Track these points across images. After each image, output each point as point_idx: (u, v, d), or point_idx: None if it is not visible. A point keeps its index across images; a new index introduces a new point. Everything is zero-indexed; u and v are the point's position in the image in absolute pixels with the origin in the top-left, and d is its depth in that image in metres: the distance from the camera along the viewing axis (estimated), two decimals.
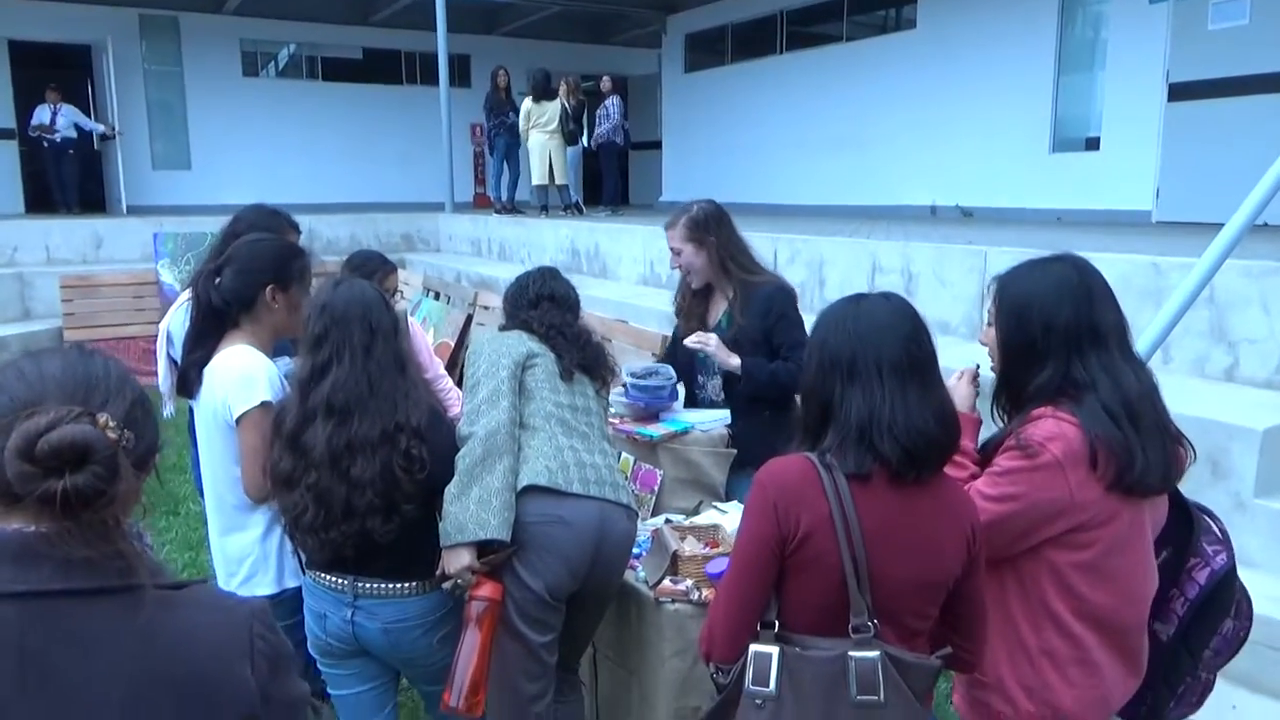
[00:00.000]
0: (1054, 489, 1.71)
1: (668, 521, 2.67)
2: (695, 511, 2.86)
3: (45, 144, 12.23)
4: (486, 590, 2.18)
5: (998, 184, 9.50)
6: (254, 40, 14.81)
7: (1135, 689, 1.88)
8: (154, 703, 1.02)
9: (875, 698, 1.55)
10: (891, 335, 1.62)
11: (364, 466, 2.14)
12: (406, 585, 2.25)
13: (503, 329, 2.60)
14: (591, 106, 12.14)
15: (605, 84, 11.76)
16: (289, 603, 2.47)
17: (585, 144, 12.29)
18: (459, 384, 3.55)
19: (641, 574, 2.49)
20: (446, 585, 2.22)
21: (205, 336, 2.49)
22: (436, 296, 8.66)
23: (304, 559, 2.36)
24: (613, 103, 11.56)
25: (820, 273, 6.24)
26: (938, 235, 6.63)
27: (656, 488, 2.93)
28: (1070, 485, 1.71)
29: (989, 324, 1.88)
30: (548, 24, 15.75)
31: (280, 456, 2.23)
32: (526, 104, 10.88)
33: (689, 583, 2.36)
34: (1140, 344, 2.36)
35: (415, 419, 2.19)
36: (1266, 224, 5.38)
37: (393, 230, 12.55)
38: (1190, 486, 2.03)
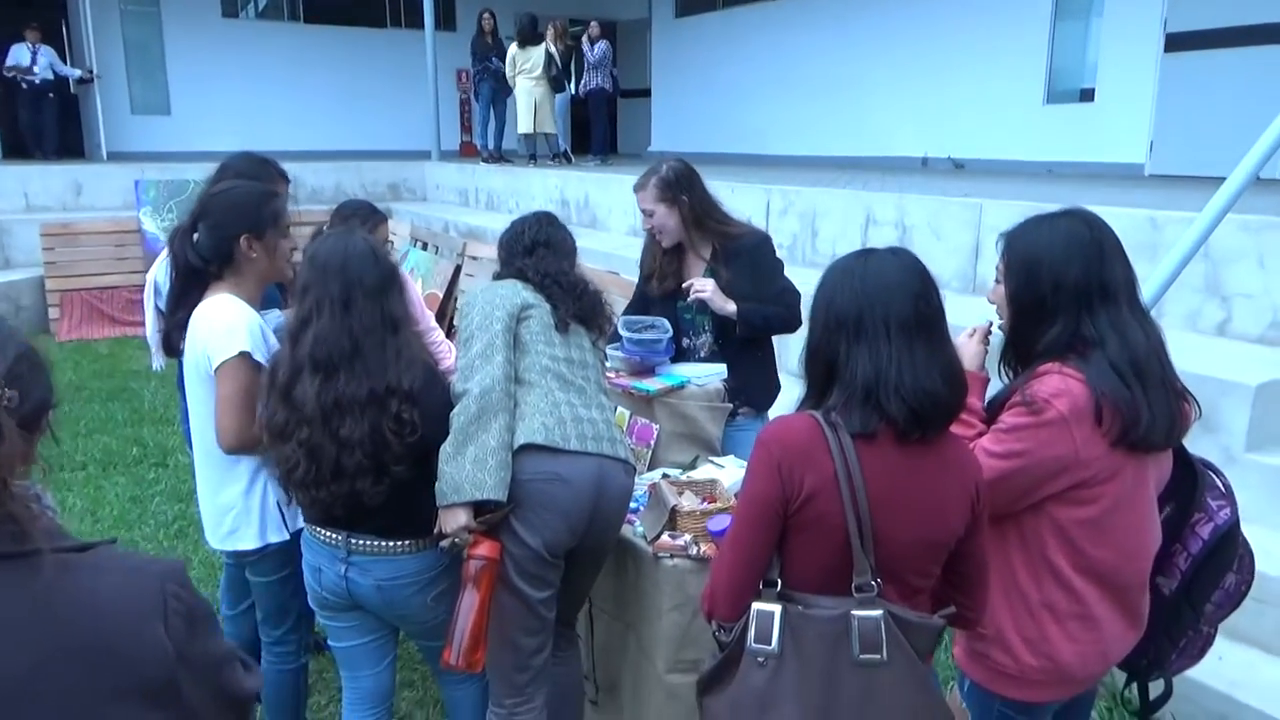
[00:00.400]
0: (1059, 445, 1.70)
1: (665, 476, 2.66)
2: (692, 466, 2.85)
3: (23, 86, 11.90)
4: (484, 549, 2.17)
5: (990, 135, 9.43)
6: None
7: (1135, 642, 1.89)
8: (61, 673, 0.97)
9: (878, 656, 1.55)
10: (900, 293, 1.59)
11: (352, 427, 2.13)
12: (400, 543, 2.24)
13: (497, 277, 2.55)
14: (579, 52, 11.92)
15: (593, 29, 11.53)
16: (273, 557, 2.47)
17: (573, 91, 12.06)
18: (448, 335, 3.51)
19: (639, 529, 2.49)
20: (444, 544, 2.21)
21: (187, 294, 2.45)
22: (424, 247, 8.57)
23: (301, 512, 2.35)
24: (601, 48, 11.34)
25: (813, 224, 6.19)
26: (930, 187, 6.59)
27: (653, 442, 2.92)
28: (1075, 442, 1.70)
29: (998, 281, 1.85)
30: None
31: (275, 409, 2.21)
32: (513, 49, 10.65)
33: (687, 537, 2.36)
34: None
35: (407, 381, 2.16)
36: (1259, 178, 5.36)
37: (379, 179, 12.37)
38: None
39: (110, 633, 1.00)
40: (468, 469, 2.14)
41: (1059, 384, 1.71)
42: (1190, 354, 3.67)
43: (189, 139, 13.22)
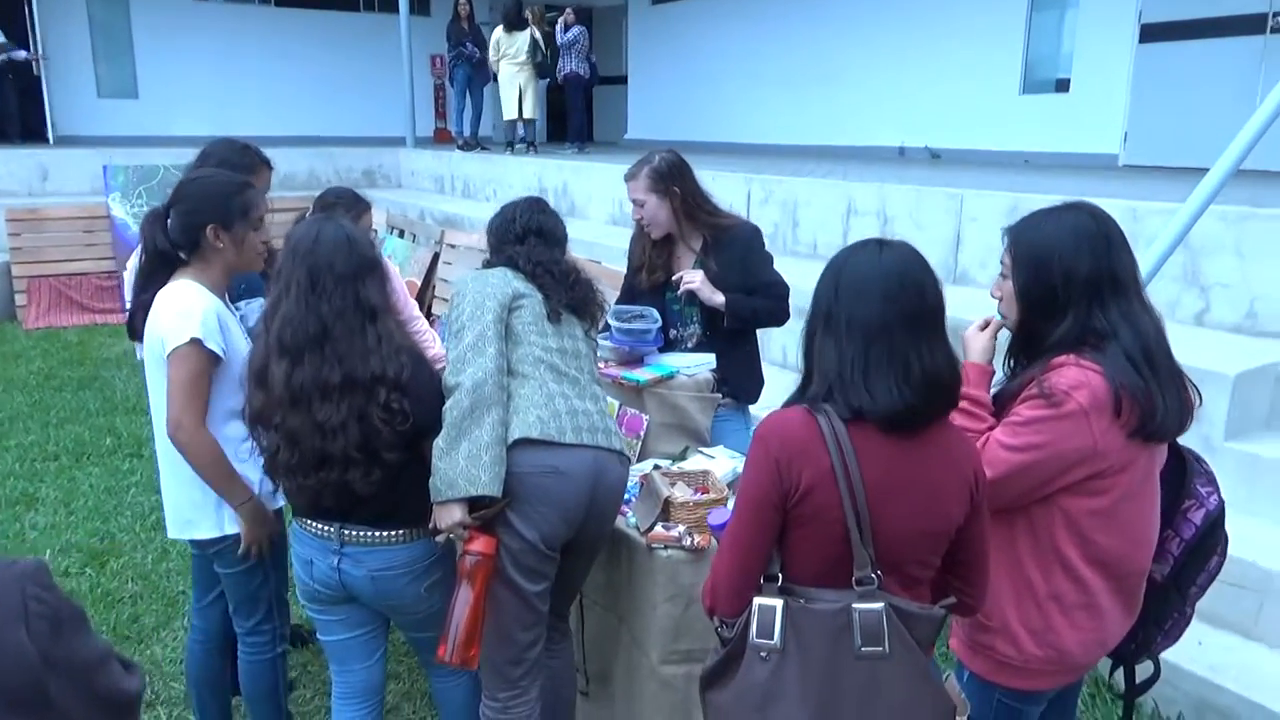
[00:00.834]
0: (1078, 438, 1.70)
1: (656, 467, 2.65)
2: (682, 456, 2.84)
3: None
4: (479, 545, 2.15)
5: (967, 125, 9.47)
6: None
7: (1129, 628, 1.92)
8: None
9: (880, 649, 1.55)
10: (868, 293, 1.58)
11: (329, 412, 2.10)
12: (393, 533, 2.22)
13: (487, 264, 2.52)
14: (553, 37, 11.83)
15: (568, 14, 11.43)
16: (236, 547, 2.45)
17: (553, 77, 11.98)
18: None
19: (632, 520, 2.48)
20: (439, 539, 2.20)
21: (154, 278, 2.44)
22: (401, 234, 8.49)
23: (290, 504, 2.32)
24: (575, 33, 11.25)
25: (794, 214, 6.19)
26: (908, 177, 6.61)
27: (642, 432, 2.91)
28: (1094, 433, 1.70)
29: (1003, 276, 1.85)
30: None
31: (252, 393, 2.20)
32: (497, 34, 10.53)
33: (681, 529, 2.35)
34: None
35: (393, 370, 2.13)
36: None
37: (353, 165, 12.23)
38: None
39: None
40: (461, 464, 2.12)
41: (1078, 376, 1.71)
42: (1170, 343, 3.71)
43: (157, 123, 12.98)
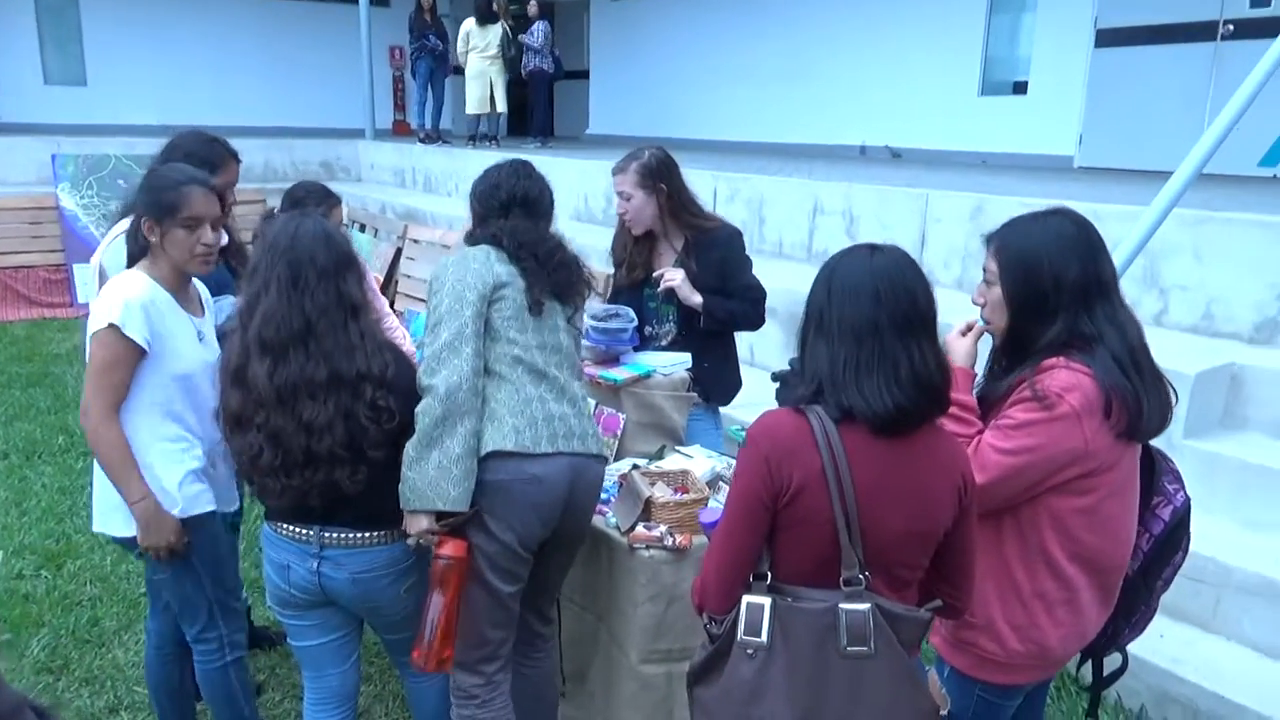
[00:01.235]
0: (1070, 439, 1.73)
1: (635, 467, 2.65)
2: (658, 455, 2.84)
3: None
4: (450, 549, 2.14)
5: (927, 125, 9.59)
6: None
7: (1104, 623, 1.96)
8: None
9: (865, 648, 1.57)
10: (858, 295, 1.60)
11: (315, 410, 2.08)
12: (374, 534, 2.20)
13: (469, 237, 2.42)
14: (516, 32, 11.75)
15: (532, 8, 11.36)
16: None
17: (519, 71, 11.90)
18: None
19: (612, 520, 2.47)
20: (409, 543, 2.18)
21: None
22: (363, 229, 8.37)
23: (265, 508, 2.27)
24: (540, 28, 11.19)
25: (760, 212, 6.22)
26: (871, 176, 6.67)
27: (619, 432, 2.91)
28: (1086, 435, 1.73)
29: (987, 282, 1.86)
30: None
31: (228, 395, 2.15)
32: (468, 26, 10.42)
33: (663, 528, 2.35)
34: None
35: (378, 367, 2.11)
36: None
37: (310, 157, 12.05)
38: None
39: None
40: (431, 475, 2.10)
41: (1070, 378, 1.74)
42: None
43: (107, 112, 12.67)
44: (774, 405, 4.13)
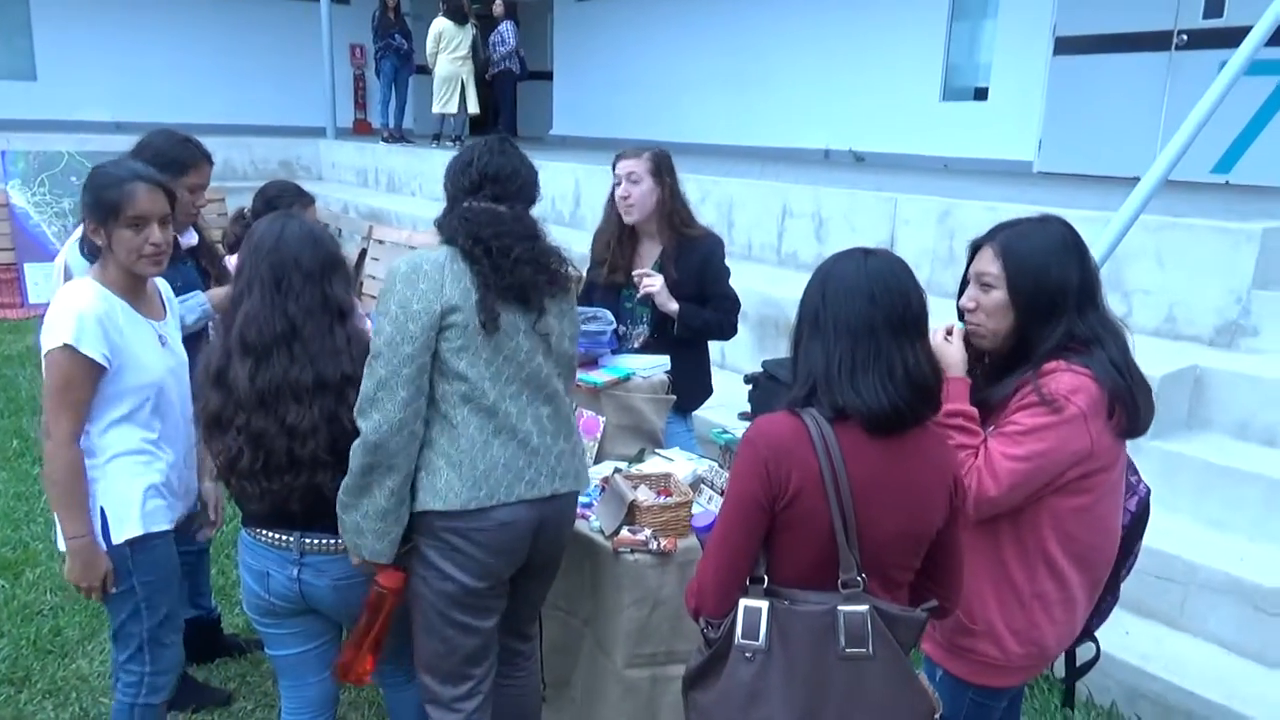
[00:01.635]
0: (1078, 441, 1.75)
1: (617, 470, 2.64)
2: (638, 458, 2.84)
3: None
4: (384, 579, 2.12)
5: (890, 130, 9.68)
6: None
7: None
8: None
9: (864, 650, 1.58)
10: (853, 295, 1.62)
11: (299, 414, 2.04)
12: None
13: (439, 222, 2.17)
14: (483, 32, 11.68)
15: (498, 8, 11.31)
16: None
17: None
18: None
19: (595, 524, 2.46)
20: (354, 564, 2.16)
21: None
22: (325, 229, 8.26)
23: (243, 513, 2.23)
24: (507, 28, 11.13)
25: (730, 215, 6.24)
26: (836, 179, 6.72)
27: (599, 435, 2.90)
28: (1091, 436, 1.76)
29: (984, 287, 1.86)
30: None
31: (207, 397, 2.11)
32: (439, 26, 10.31)
33: (647, 532, 2.34)
34: None
35: (360, 373, 2.06)
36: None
37: (269, 156, 11.86)
38: None
39: None
40: (356, 523, 2.04)
41: (1074, 380, 1.76)
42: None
43: (58, 107, 12.35)
44: (746, 407, 4.15)
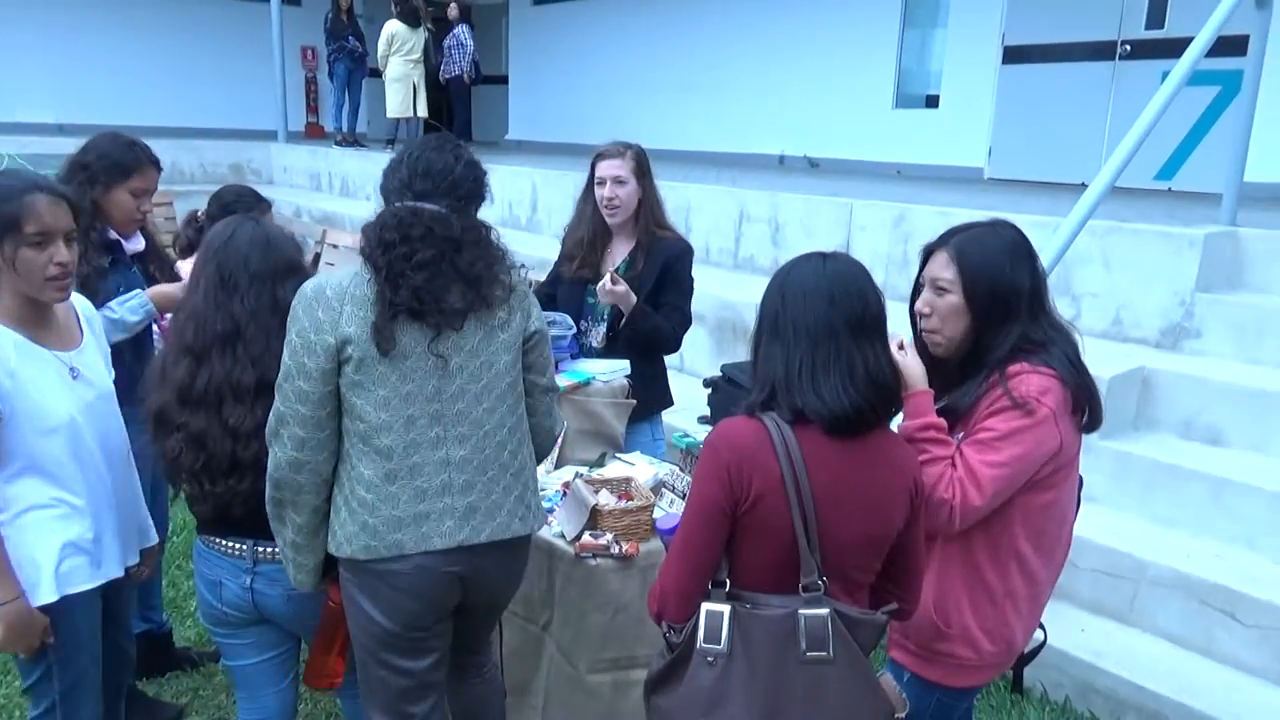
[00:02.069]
0: (1050, 440, 1.78)
1: (578, 475, 2.63)
2: (599, 463, 2.83)
3: None
4: (333, 594, 2.10)
5: (844, 136, 9.80)
6: None
7: None
8: None
9: (824, 653, 1.59)
10: (813, 297, 1.63)
11: (241, 415, 2.00)
12: None
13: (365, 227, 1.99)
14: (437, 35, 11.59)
15: (452, 11, 11.23)
16: None
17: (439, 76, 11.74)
18: None
19: (556, 529, 2.45)
20: None
21: None
22: (288, 234, 8.13)
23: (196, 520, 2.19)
24: (463, 31, 11.07)
25: (688, 220, 6.26)
26: (792, 185, 6.78)
27: (560, 440, 2.88)
28: (1061, 434, 1.79)
29: (938, 291, 1.87)
30: None
31: (154, 390, 2.07)
32: (392, 28, 10.20)
33: (609, 536, 2.34)
34: None
35: None
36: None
37: (219, 159, 11.63)
38: None
39: None
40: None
41: (1042, 381, 1.78)
42: None
43: (1, 108, 12.01)
44: (706, 411, 4.13)
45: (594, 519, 2.37)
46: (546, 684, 2.51)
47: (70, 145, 2.84)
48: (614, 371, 3.02)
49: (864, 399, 1.61)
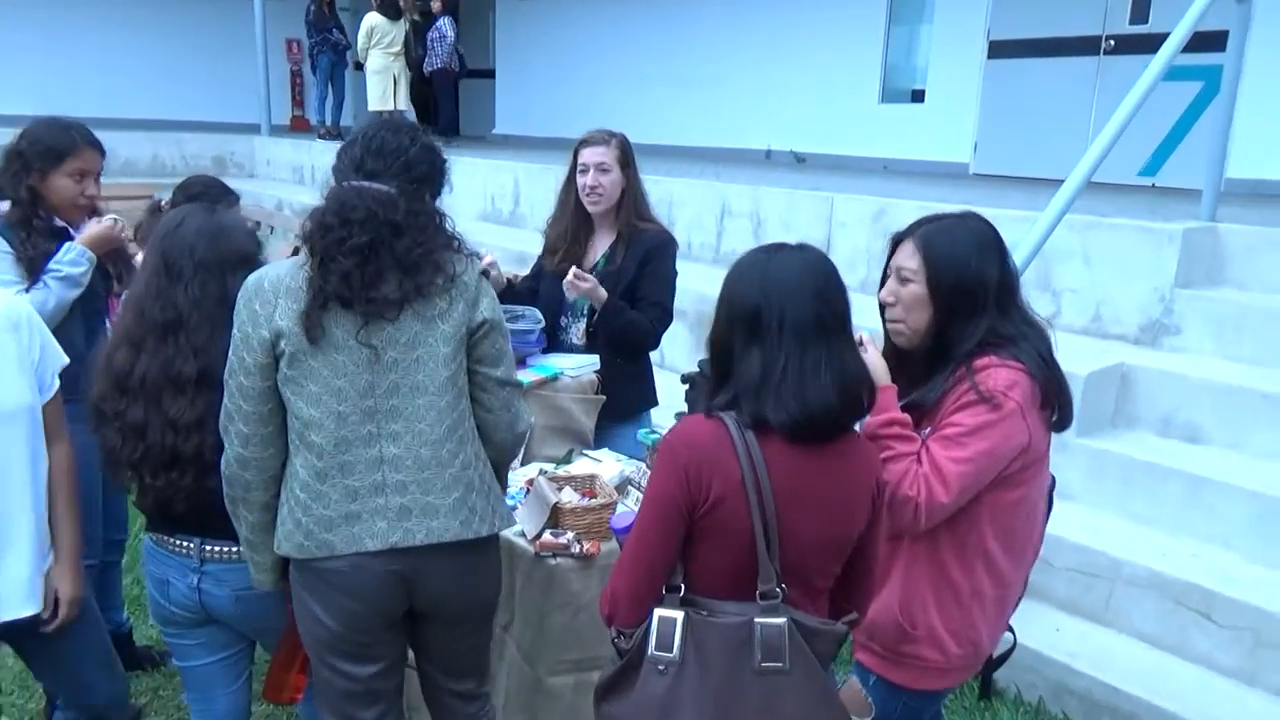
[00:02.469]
0: (1019, 436, 1.73)
1: (542, 472, 2.58)
2: (566, 459, 2.78)
3: None
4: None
5: (830, 131, 9.75)
6: None
7: None
8: None
9: (780, 664, 1.54)
10: (799, 292, 1.55)
11: (181, 407, 1.94)
12: None
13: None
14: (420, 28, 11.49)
15: (435, 3, 11.14)
16: None
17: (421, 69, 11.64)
18: None
19: (517, 527, 2.39)
20: None
21: None
22: (258, 226, 8.05)
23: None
24: (445, 23, 10.98)
25: (670, 214, 6.19)
26: (778, 180, 6.74)
27: (527, 436, 2.83)
28: (1029, 429, 1.74)
29: (902, 281, 1.83)
30: None
31: (96, 377, 2.01)
32: (372, 20, 10.11)
33: (570, 535, 2.29)
34: None
35: None
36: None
37: (202, 152, 11.54)
38: None
39: None
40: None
41: (1009, 375, 1.73)
42: None
43: None
44: (684, 408, 4.09)
45: (555, 517, 2.32)
46: (507, 685, 2.46)
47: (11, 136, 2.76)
48: (582, 366, 2.97)
49: (849, 402, 1.56)
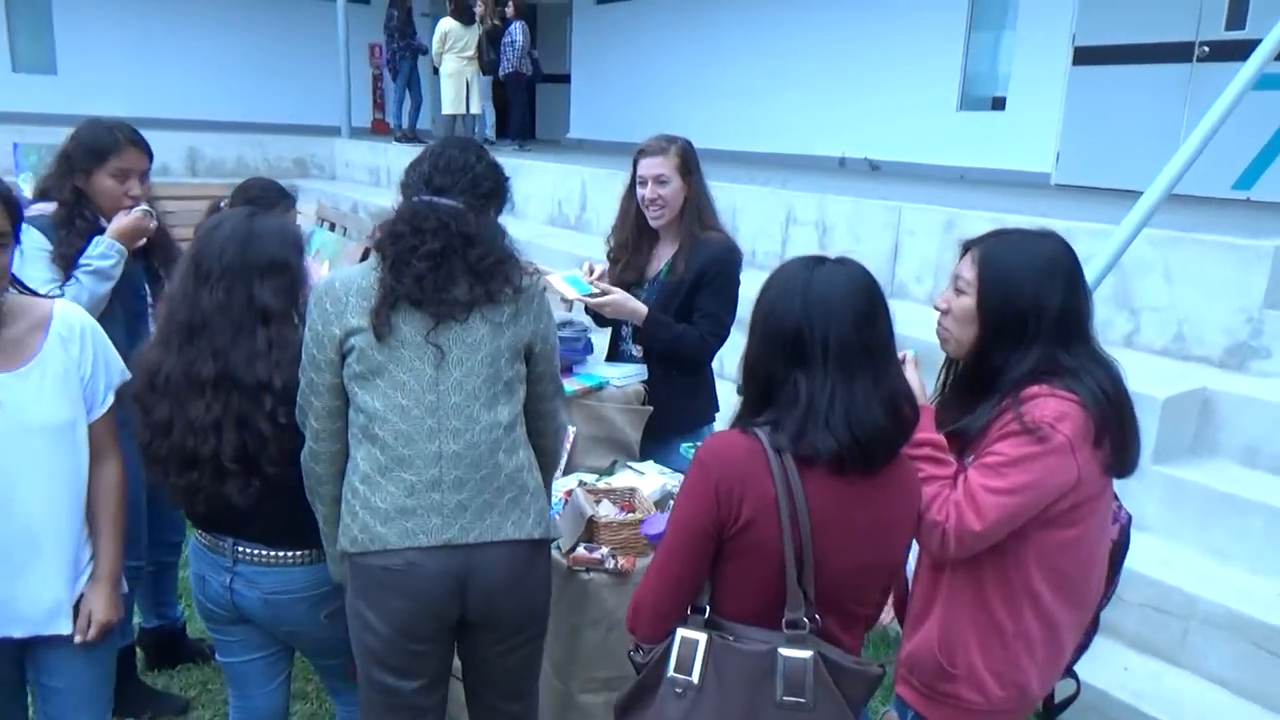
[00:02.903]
0: (1065, 471, 1.62)
1: (581, 484, 2.53)
2: (610, 471, 2.73)
3: None
4: None
5: (906, 139, 9.54)
6: None
7: None
8: None
9: (802, 700, 1.46)
10: (844, 314, 1.48)
11: (198, 410, 1.94)
12: (291, 554, 2.07)
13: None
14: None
15: (509, 9, 11.26)
16: None
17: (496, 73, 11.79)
18: None
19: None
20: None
21: None
22: (332, 227, 8.21)
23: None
24: (517, 29, 11.08)
25: (734, 221, 6.11)
26: (849, 188, 6.60)
27: (569, 446, 2.79)
28: (1079, 466, 1.62)
29: (958, 291, 1.74)
30: None
31: (134, 377, 2.04)
32: (446, 25, 10.30)
33: (605, 550, 2.24)
34: None
35: (282, 379, 1.95)
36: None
37: (284, 154, 11.86)
38: None
39: None
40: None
41: (1059, 406, 1.62)
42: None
43: (77, 102, 12.30)
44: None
45: (590, 531, 2.27)
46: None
47: None
48: (629, 376, 2.92)
49: (900, 425, 1.49)
